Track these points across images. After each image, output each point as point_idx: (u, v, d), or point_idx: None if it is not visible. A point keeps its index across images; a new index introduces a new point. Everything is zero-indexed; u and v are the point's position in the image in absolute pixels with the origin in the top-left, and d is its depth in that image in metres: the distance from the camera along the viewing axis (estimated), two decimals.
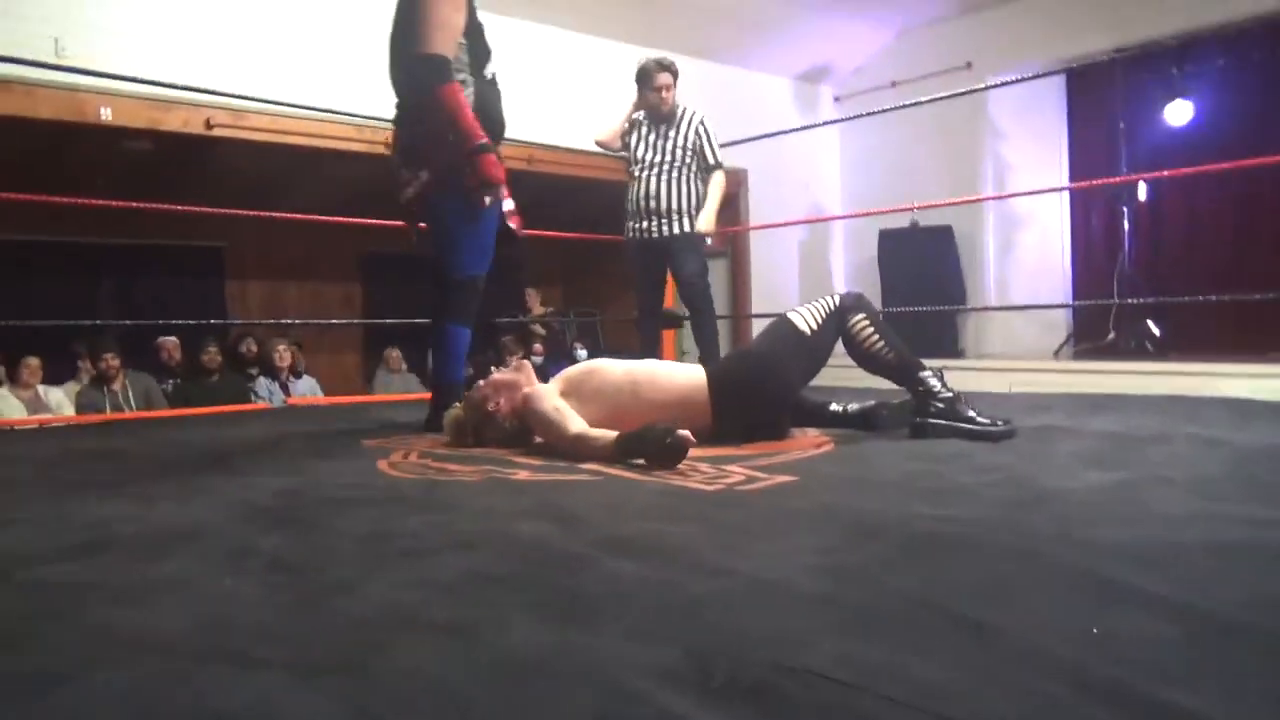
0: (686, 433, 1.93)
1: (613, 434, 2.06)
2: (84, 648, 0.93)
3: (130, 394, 5.66)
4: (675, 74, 4.11)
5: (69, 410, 5.41)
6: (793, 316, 2.45)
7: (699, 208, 4.16)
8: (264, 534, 1.40)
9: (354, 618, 1.01)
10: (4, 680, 0.85)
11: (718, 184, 4.22)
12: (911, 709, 0.75)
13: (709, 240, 4.28)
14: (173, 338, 6.31)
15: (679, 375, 2.37)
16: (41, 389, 5.47)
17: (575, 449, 2.13)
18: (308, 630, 0.97)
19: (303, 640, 0.94)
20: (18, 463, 2.36)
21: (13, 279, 7.35)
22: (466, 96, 2.69)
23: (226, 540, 1.37)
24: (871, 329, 2.41)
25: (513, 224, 2.91)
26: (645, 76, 4.11)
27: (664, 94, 4.07)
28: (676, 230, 4.13)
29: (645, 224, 4.17)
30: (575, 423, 2.18)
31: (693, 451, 2.11)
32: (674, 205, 4.11)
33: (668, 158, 4.12)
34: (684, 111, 4.18)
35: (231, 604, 1.07)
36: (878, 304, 7.12)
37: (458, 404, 2.51)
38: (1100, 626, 0.94)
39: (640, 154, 4.17)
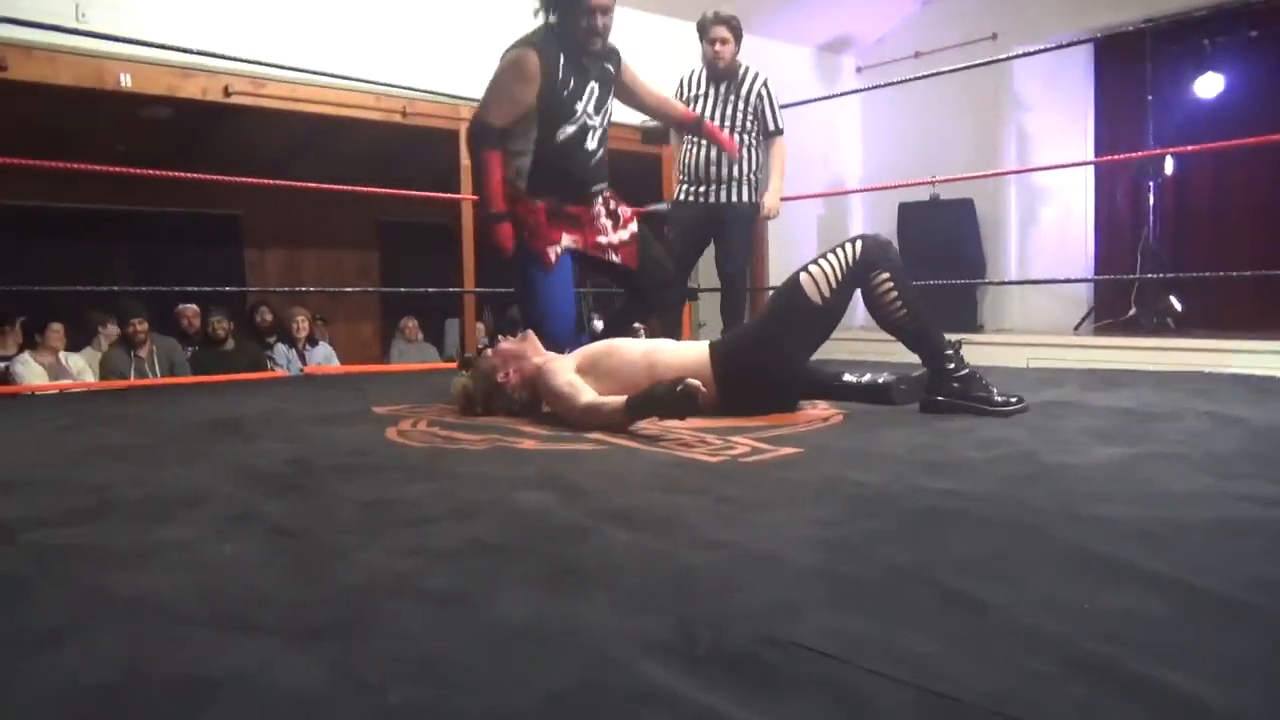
0: (696, 382, 1.90)
1: (622, 399, 2.06)
2: (81, 609, 0.94)
3: (156, 360, 5.73)
4: (735, 30, 3.92)
5: (89, 376, 5.47)
6: (805, 283, 2.33)
7: (759, 174, 4.00)
8: (267, 499, 1.41)
9: (349, 584, 1.01)
10: (1, 639, 0.87)
11: (780, 153, 4.07)
12: (895, 682, 0.75)
13: (771, 217, 4.13)
14: (193, 305, 6.36)
15: (689, 352, 2.36)
16: (62, 355, 5.53)
17: (586, 418, 2.13)
18: (303, 595, 0.98)
19: (298, 605, 0.95)
20: (34, 428, 2.40)
21: (31, 244, 7.43)
22: (520, 163, 2.80)
23: (229, 506, 1.38)
24: (894, 290, 2.29)
25: (616, 258, 2.97)
26: (703, 29, 3.94)
27: (718, 48, 3.89)
28: (735, 199, 3.96)
29: (701, 189, 3.97)
30: (587, 394, 2.18)
31: (700, 422, 2.11)
32: (733, 171, 3.93)
33: (727, 120, 3.94)
34: (746, 71, 4.00)
35: (230, 569, 1.08)
36: None
37: (465, 372, 2.51)
38: (1095, 603, 0.93)
39: (698, 113, 3.84)
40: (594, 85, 2.85)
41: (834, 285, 2.31)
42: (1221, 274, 3.82)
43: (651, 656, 0.79)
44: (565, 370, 2.29)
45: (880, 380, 2.40)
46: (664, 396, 1.93)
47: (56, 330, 5.52)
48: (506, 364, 2.41)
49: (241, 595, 0.98)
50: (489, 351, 2.48)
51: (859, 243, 2.34)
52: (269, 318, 6.80)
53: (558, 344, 2.70)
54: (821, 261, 2.35)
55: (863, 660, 0.79)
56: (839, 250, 2.34)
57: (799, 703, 0.72)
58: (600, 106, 2.89)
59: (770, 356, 2.34)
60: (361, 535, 1.20)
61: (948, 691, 0.73)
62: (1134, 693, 0.74)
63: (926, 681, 0.75)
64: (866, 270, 2.30)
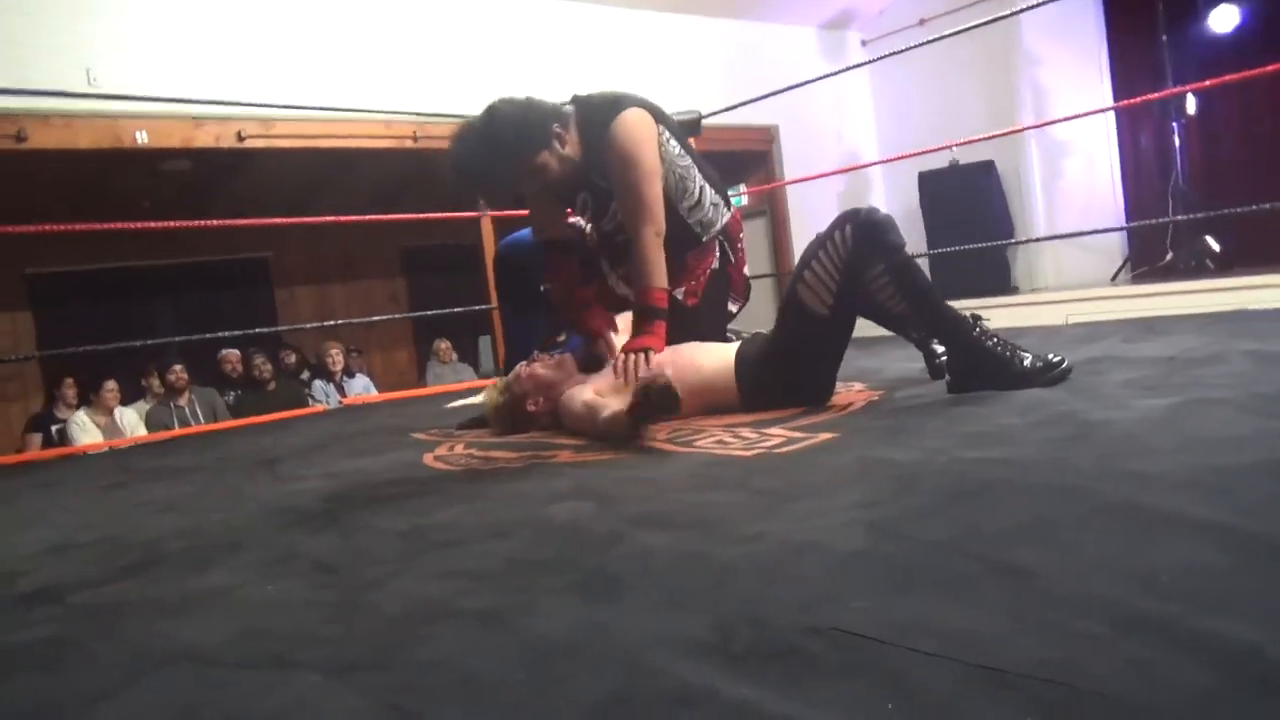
0: (666, 375, 1.90)
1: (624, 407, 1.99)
2: (127, 663, 0.95)
3: (197, 408, 5.84)
4: None
5: (142, 430, 5.58)
6: (805, 296, 2.08)
7: None
8: (307, 538, 1.42)
9: (389, 613, 1.02)
10: (49, 702, 0.88)
11: None
12: (943, 659, 0.73)
13: None
14: (235, 350, 6.47)
15: (712, 359, 2.25)
16: (118, 411, 5.65)
17: (604, 431, 2.06)
18: (344, 630, 0.99)
19: (339, 640, 0.95)
20: (83, 487, 2.44)
21: (74, 308, 7.62)
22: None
23: (271, 547, 1.39)
24: (890, 285, 2.01)
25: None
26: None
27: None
28: None
29: None
30: (605, 410, 2.09)
31: (734, 418, 2.09)
32: None
33: None
34: None
35: (272, 610, 1.09)
36: (921, 245, 7.03)
37: (496, 388, 2.50)
38: (1144, 560, 0.90)
39: None
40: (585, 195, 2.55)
41: (834, 291, 2.05)
42: (1256, 207, 3.71)
43: (691, 657, 0.78)
44: (579, 395, 2.22)
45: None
46: (645, 398, 1.88)
47: (111, 389, 5.62)
48: (538, 392, 2.35)
49: (284, 635, 0.98)
50: (523, 373, 2.41)
51: (847, 228, 2.01)
52: (291, 359, 6.90)
53: None
54: (814, 265, 2.07)
55: (907, 641, 0.77)
56: (829, 243, 2.05)
57: (843, 689, 0.71)
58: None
59: (791, 372, 2.19)
60: (399, 563, 1.21)
61: (996, 664, 0.71)
62: (1193, 648, 0.71)
63: (974, 656, 0.73)
64: (862, 268, 2.01)
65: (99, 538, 1.65)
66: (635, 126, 2.31)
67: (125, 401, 5.95)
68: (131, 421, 5.69)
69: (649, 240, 2.29)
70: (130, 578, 1.31)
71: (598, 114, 2.35)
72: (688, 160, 2.47)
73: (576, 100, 2.44)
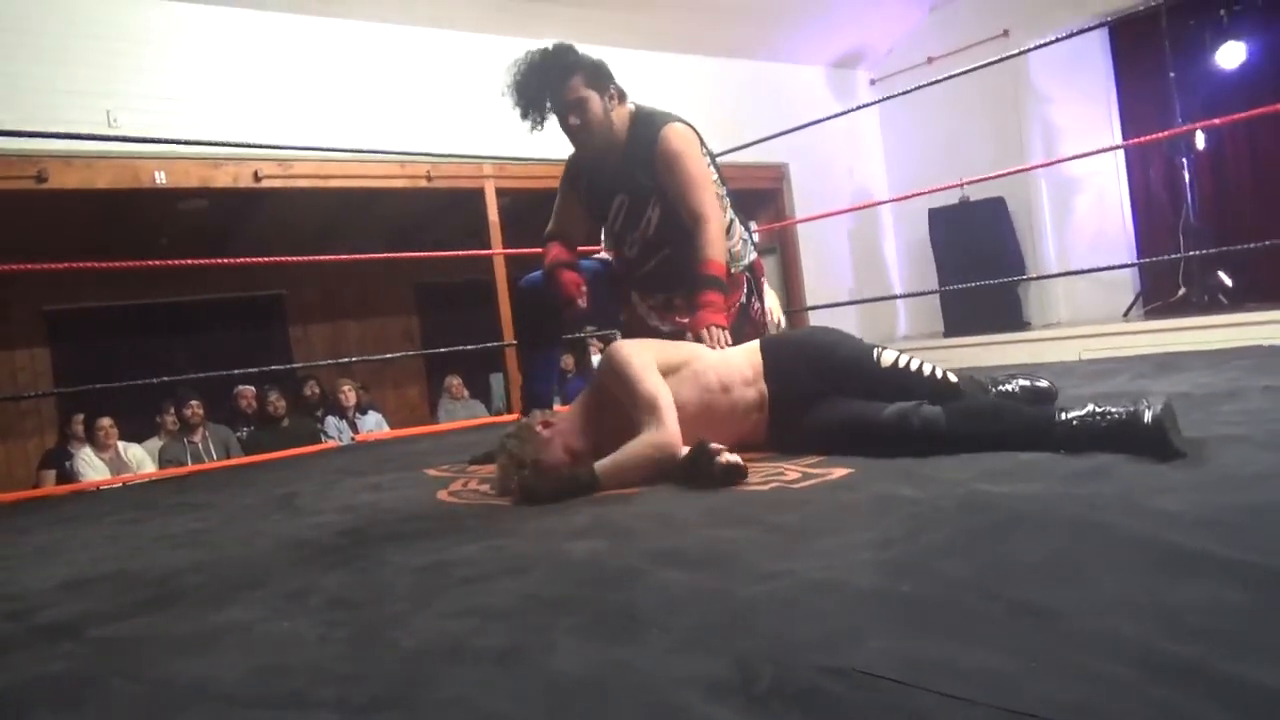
0: (721, 449, 1.79)
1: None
2: (146, 699, 0.95)
3: (211, 445, 5.85)
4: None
5: (150, 467, 5.59)
6: (880, 350, 2.03)
7: None
8: (323, 574, 1.42)
9: (406, 651, 1.01)
10: None
11: None
12: (966, 702, 0.73)
13: None
14: (250, 386, 6.50)
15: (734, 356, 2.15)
16: (121, 446, 5.66)
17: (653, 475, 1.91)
18: (361, 667, 0.98)
19: (356, 677, 0.95)
20: (99, 523, 2.45)
21: (92, 344, 7.67)
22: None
23: (287, 583, 1.39)
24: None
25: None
26: None
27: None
28: None
29: None
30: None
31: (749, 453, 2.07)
32: None
33: None
34: None
35: (288, 646, 1.08)
36: (932, 281, 7.03)
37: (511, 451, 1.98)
38: (1168, 599, 0.90)
39: None
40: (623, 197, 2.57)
41: (902, 374, 1.98)
42: (1269, 243, 3.70)
43: (712, 698, 0.77)
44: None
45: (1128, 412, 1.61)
46: (705, 471, 1.79)
47: (105, 425, 5.62)
48: (555, 444, 1.99)
49: (300, 672, 0.98)
50: (542, 433, 1.99)
51: (922, 409, 1.84)
52: (317, 390, 6.93)
53: None
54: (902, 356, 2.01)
55: (929, 682, 0.76)
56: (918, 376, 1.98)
57: None
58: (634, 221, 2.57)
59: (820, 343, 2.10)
60: (416, 600, 1.20)
61: (1022, 708, 0.71)
62: (1218, 693, 0.71)
63: (999, 699, 0.72)
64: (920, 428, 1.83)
65: (115, 571, 1.65)
66: (686, 136, 2.49)
67: (138, 438, 5.97)
68: (138, 457, 5.69)
69: (714, 224, 2.41)
70: (147, 613, 1.31)
71: (652, 117, 2.52)
72: (723, 190, 2.57)
73: (634, 101, 2.59)
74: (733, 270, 2.54)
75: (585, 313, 2.68)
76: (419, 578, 1.34)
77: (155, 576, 1.56)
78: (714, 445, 1.82)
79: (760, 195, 7.79)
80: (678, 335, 2.47)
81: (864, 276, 8.07)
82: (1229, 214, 6.50)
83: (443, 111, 5.97)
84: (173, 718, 0.89)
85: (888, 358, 2.01)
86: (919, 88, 4.55)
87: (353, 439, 5.92)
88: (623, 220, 2.60)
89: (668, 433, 1.89)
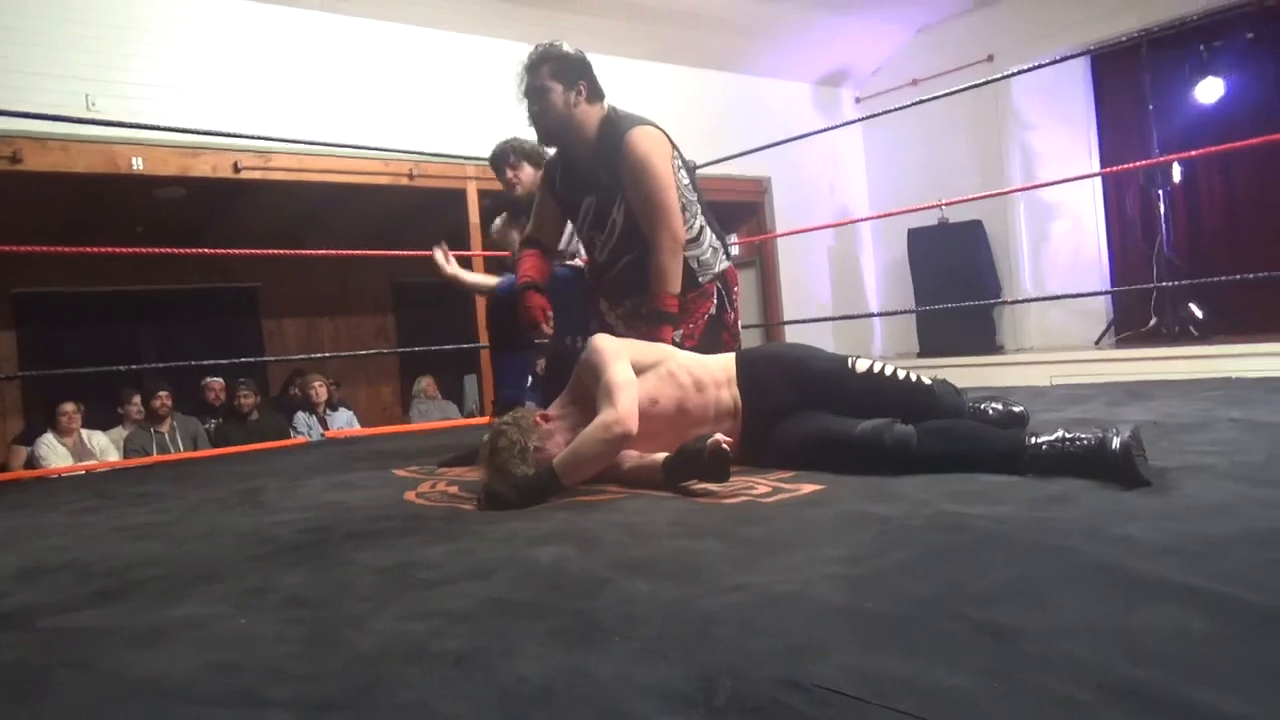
0: (719, 436, 1.78)
1: (658, 459, 1.93)
2: (95, 694, 0.93)
3: (179, 436, 5.77)
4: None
5: (114, 455, 5.50)
6: (854, 358, 2.07)
7: None
8: (284, 571, 1.40)
9: (364, 652, 1.00)
10: None
11: None
12: None
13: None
14: (219, 378, 6.41)
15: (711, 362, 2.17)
16: (85, 433, 5.56)
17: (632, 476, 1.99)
18: (318, 666, 0.97)
19: (312, 677, 0.93)
20: (58, 510, 2.40)
21: (61, 329, 7.56)
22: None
23: (246, 579, 1.37)
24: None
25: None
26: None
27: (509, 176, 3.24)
28: None
29: None
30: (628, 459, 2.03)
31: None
32: None
33: None
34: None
35: (245, 643, 1.06)
36: (909, 301, 7.09)
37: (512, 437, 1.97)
38: (1129, 625, 0.90)
39: None
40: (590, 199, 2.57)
41: (877, 378, 2.04)
42: (1239, 276, 3.76)
43: (670, 709, 0.77)
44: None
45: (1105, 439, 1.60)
46: (696, 461, 1.78)
47: (68, 410, 5.50)
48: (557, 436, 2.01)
49: (256, 670, 0.96)
50: (537, 418, 2.03)
51: (895, 428, 1.84)
52: (298, 392, 6.85)
53: None
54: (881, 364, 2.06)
55: (890, 700, 0.76)
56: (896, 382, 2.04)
57: None
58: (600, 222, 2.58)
59: (793, 359, 2.13)
60: (377, 601, 1.19)
61: None
62: (1180, 717, 0.71)
63: (958, 718, 0.72)
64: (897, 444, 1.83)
65: (70, 561, 1.62)
66: (653, 139, 2.46)
67: (103, 425, 5.87)
68: (101, 445, 5.60)
69: (665, 245, 2.40)
70: (101, 605, 1.28)
71: (622, 119, 2.51)
72: (694, 196, 2.55)
73: (610, 104, 2.59)
74: (701, 280, 2.54)
75: (548, 338, 2.63)
76: (381, 579, 1.32)
77: (111, 568, 1.53)
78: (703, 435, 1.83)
79: (741, 208, 7.81)
80: None
81: (842, 294, 8.11)
82: (1201, 247, 6.59)
83: (428, 110, 5.95)
84: (120, 712, 0.87)
85: (862, 365, 2.07)
86: (902, 108, 4.58)
87: (323, 435, 5.87)
88: (590, 222, 2.61)
89: (618, 411, 1.90)
